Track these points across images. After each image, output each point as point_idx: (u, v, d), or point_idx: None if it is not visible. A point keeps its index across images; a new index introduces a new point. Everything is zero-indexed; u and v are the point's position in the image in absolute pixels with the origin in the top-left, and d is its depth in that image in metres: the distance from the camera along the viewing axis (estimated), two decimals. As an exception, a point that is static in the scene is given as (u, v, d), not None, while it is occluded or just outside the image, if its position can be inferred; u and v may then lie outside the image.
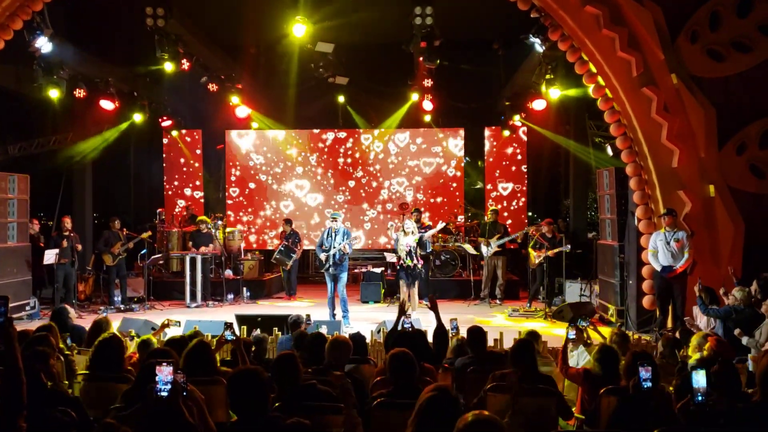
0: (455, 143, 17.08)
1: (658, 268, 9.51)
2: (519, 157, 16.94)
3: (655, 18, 9.36)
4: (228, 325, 5.56)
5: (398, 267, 11.63)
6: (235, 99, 14.74)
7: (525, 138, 16.74)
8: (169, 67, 12.21)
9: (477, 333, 5.88)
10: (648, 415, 3.94)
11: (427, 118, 15.96)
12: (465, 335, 7.04)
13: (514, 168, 16.96)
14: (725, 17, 9.43)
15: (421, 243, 12.11)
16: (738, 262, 9.36)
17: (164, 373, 3.19)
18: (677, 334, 6.98)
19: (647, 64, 9.52)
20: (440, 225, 12.26)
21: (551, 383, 4.79)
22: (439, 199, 17.06)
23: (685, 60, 9.48)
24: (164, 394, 3.17)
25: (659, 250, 9.50)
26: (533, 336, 6.28)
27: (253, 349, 6.24)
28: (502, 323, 11.14)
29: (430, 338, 6.26)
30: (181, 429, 3.17)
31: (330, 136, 17.29)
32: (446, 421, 2.83)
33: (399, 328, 5.95)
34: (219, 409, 4.39)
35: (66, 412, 3.53)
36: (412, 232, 11.36)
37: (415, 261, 11.21)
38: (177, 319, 6.97)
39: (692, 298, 8.79)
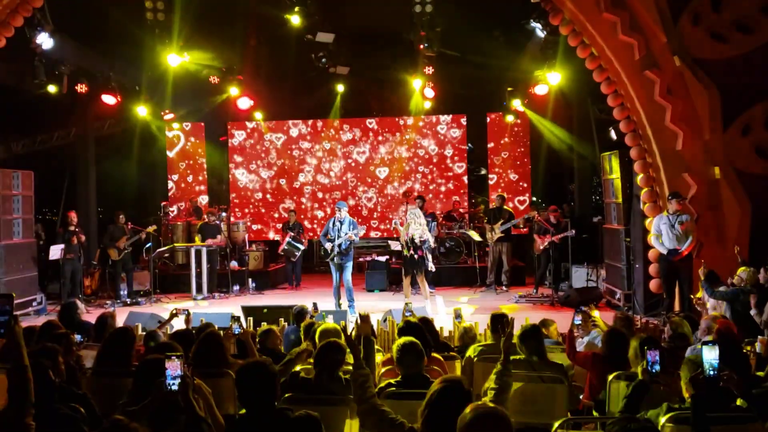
0: (457, 130, 17.04)
1: (663, 252, 9.48)
2: (522, 142, 16.90)
3: (656, 0, 9.28)
4: (235, 318, 5.57)
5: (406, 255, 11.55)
6: (236, 91, 14.70)
7: (528, 123, 16.68)
8: (171, 59, 12.17)
9: (501, 320, 5.82)
10: (658, 393, 3.93)
11: (427, 105, 15.91)
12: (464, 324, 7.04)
13: (517, 153, 16.91)
14: (727, -2, 9.34)
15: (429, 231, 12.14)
16: (744, 243, 9.30)
17: (173, 367, 3.18)
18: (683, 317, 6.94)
19: (649, 47, 9.45)
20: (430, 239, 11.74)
21: (561, 371, 4.77)
22: (442, 187, 17.05)
23: (688, 42, 9.38)
24: (174, 387, 3.17)
25: (663, 233, 9.46)
26: (543, 323, 6.25)
27: (257, 340, 6.23)
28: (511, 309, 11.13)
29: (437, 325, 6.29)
30: (191, 422, 3.18)
31: (332, 125, 17.26)
32: (457, 412, 2.82)
33: (403, 317, 5.95)
34: (228, 402, 4.39)
35: (74, 408, 3.54)
36: (414, 221, 11.22)
37: (411, 251, 11.08)
38: (185, 308, 6.95)
39: (699, 281, 8.76)
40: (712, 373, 3.47)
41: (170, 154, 17.55)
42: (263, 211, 17.37)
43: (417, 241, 10.96)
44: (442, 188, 17.05)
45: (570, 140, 16.17)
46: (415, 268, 11.13)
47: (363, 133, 17.21)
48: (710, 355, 3.49)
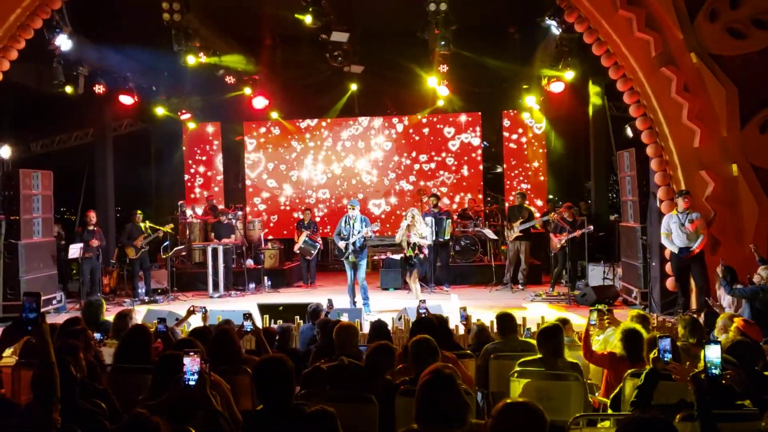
0: (473, 128, 17.02)
1: (675, 250, 9.47)
2: (538, 140, 16.85)
3: (673, -3, 9.25)
4: (247, 316, 5.61)
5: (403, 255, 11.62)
6: (249, 91, 14.79)
7: (543, 121, 16.65)
8: (187, 59, 12.26)
9: (507, 319, 5.85)
10: (670, 389, 3.91)
11: (441, 103, 15.93)
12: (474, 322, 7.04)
13: (533, 151, 16.87)
14: (745, -6, 9.27)
15: (440, 230, 12.23)
16: (763, 241, 9.25)
17: (191, 363, 3.23)
18: (701, 316, 6.92)
19: (666, 43, 9.42)
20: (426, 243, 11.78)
21: (577, 370, 4.78)
22: (457, 184, 17.05)
23: (705, 39, 9.33)
24: (192, 383, 3.22)
25: (673, 232, 9.44)
26: (563, 323, 6.23)
27: (276, 338, 6.28)
28: (526, 308, 11.10)
29: (451, 325, 6.31)
30: (209, 417, 3.23)
31: (347, 124, 17.30)
32: (444, 400, 2.86)
33: (417, 314, 5.97)
34: (244, 397, 4.44)
35: (96, 403, 3.60)
36: (413, 219, 11.20)
37: (415, 251, 11.08)
38: (202, 305, 7.02)
39: (714, 278, 8.72)
40: (714, 371, 3.46)
41: (187, 152, 17.65)
42: (279, 209, 17.46)
43: (418, 240, 11.01)
44: (458, 185, 17.03)
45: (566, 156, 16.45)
46: (411, 268, 11.19)
47: (377, 131, 17.23)
48: (712, 354, 3.48)
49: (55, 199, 12.62)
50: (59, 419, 2.99)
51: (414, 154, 17.14)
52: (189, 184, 17.66)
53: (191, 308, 6.95)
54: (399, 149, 17.16)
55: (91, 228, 12.53)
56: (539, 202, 16.47)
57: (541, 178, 16.88)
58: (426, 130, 17.11)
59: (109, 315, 7.61)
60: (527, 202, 13.91)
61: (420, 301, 7.16)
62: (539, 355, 4.83)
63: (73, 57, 11.98)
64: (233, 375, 4.44)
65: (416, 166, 17.14)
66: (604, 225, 14.88)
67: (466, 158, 17.02)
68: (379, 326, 6.03)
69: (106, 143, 16.23)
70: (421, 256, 11.13)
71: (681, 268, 9.54)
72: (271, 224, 17.27)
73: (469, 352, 5.74)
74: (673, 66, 9.42)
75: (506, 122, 16.97)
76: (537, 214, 14.14)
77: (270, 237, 16.56)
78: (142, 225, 13.01)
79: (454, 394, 2.92)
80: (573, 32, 10.66)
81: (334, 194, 17.31)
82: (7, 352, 5.19)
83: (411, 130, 17.14)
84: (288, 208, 17.40)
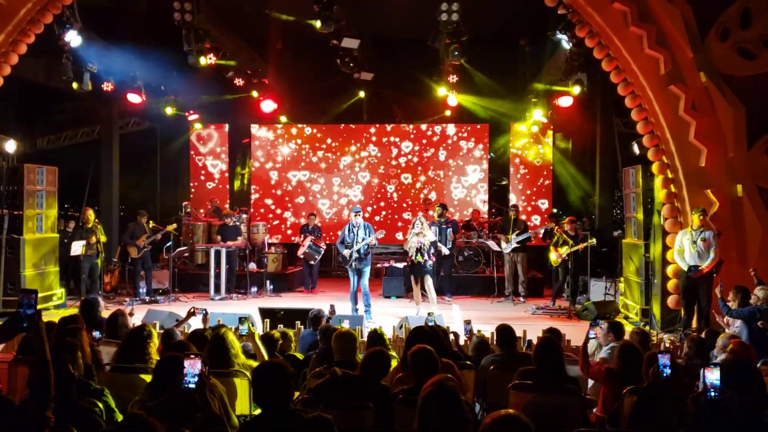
0: (480, 139, 17.01)
1: (685, 267, 9.41)
2: (544, 153, 16.82)
3: (684, 15, 9.23)
4: (243, 320, 5.59)
5: (407, 263, 11.61)
6: (258, 94, 14.80)
7: (551, 135, 16.64)
8: (197, 60, 12.28)
9: (507, 332, 5.83)
10: (670, 406, 3.88)
11: (448, 113, 15.95)
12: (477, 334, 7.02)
13: (539, 165, 16.84)
14: (757, 15, 9.25)
15: (442, 239, 12.24)
16: (765, 262, 9.21)
17: (192, 366, 3.22)
18: (703, 335, 6.88)
19: (675, 62, 9.40)
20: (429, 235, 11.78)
21: (575, 383, 4.75)
22: (462, 194, 17.04)
23: (715, 58, 9.33)
24: (192, 386, 3.21)
25: (685, 249, 9.39)
26: (554, 334, 6.22)
27: (279, 342, 6.26)
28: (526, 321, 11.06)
29: (451, 335, 6.30)
30: (207, 421, 3.21)
31: (355, 131, 17.30)
32: (447, 413, 2.85)
33: (424, 325, 5.95)
34: (237, 401, 4.42)
35: (92, 402, 3.59)
36: (421, 232, 11.20)
37: (425, 257, 11.07)
38: (203, 308, 7.00)
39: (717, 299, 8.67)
40: (713, 394, 3.44)
41: (193, 153, 17.67)
42: (282, 227, 17.46)
43: (427, 245, 11.01)
44: (463, 196, 17.03)
45: (584, 182, 16.44)
46: (425, 274, 11.15)
47: (385, 140, 17.22)
48: (712, 377, 3.46)
49: (59, 196, 12.64)
50: (53, 417, 2.98)
51: (420, 162, 17.12)
52: (194, 184, 17.65)
53: (192, 310, 6.93)
54: (405, 157, 17.14)
55: (89, 226, 12.50)
56: (537, 220, 16.43)
57: (546, 191, 16.85)
58: (433, 140, 17.09)
59: (109, 314, 7.61)
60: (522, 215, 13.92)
61: (428, 313, 7.13)
62: (534, 367, 4.82)
63: (83, 54, 12.01)
64: (228, 378, 4.43)
65: (422, 175, 17.12)
66: (607, 240, 14.86)
67: (471, 169, 17.00)
68: (375, 336, 6.01)
69: (113, 141, 16.27)
70: (430, 262, 11.13)
71: (689, 286, 9.47)
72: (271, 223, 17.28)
73: (469, 363, 5.71)
74: (681, 84, 9.40)
75: (513, 134, 16.94)
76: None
77: (273, 240, 16.55)
78: (145, 224, 13.03)
79: (456, 407, 2.91)
80: (583, 47, 10.65)
81: (338, 200, 17.30)
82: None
83: (418, 138, 17.12)
84: (296, 214, 17.40)
